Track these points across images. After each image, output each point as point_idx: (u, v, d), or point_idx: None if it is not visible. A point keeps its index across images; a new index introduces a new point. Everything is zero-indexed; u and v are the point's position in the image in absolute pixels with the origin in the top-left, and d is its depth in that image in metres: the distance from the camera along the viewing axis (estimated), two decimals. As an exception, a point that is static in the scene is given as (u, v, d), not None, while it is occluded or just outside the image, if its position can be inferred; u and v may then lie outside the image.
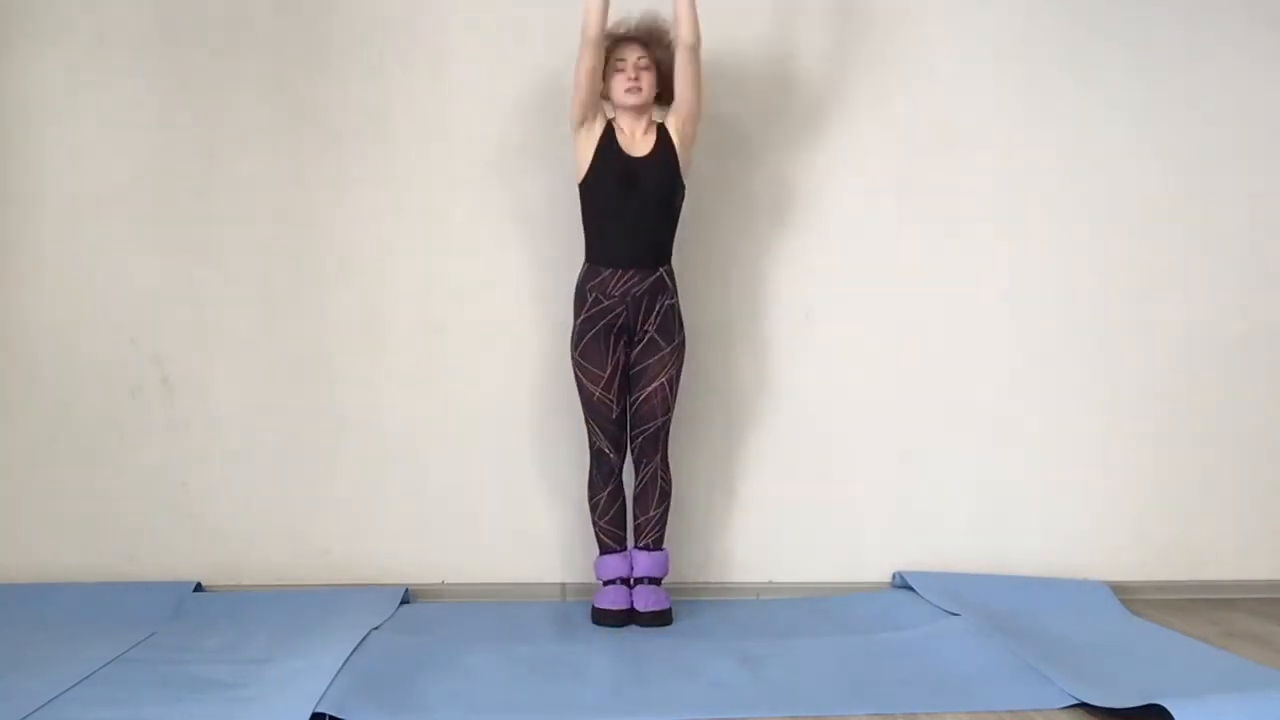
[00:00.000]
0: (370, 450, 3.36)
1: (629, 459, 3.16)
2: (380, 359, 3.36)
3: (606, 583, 3.13)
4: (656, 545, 3.14)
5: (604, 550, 3.15)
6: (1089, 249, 3.50)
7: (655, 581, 3.11)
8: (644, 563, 3.11)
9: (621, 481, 3.16)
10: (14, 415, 3.31)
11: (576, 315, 3.10)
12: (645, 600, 3.08)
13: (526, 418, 3.39)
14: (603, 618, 3.08)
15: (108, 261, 3.32)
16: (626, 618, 3.08)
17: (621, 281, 3.05)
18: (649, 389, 3.08)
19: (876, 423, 3.46)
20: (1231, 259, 3.54)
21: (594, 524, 3.16)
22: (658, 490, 3.13)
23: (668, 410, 3.11)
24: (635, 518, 3.15)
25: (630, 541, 3.16)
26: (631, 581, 3.12)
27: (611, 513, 3.14)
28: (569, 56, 3.06)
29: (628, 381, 3.11)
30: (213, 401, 3.33)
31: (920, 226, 3.46)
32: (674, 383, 3.10)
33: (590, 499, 3.17)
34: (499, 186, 3.37)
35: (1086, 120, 3.49)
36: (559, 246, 3.32)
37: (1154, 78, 3.51)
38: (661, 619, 3.07)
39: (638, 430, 3.12)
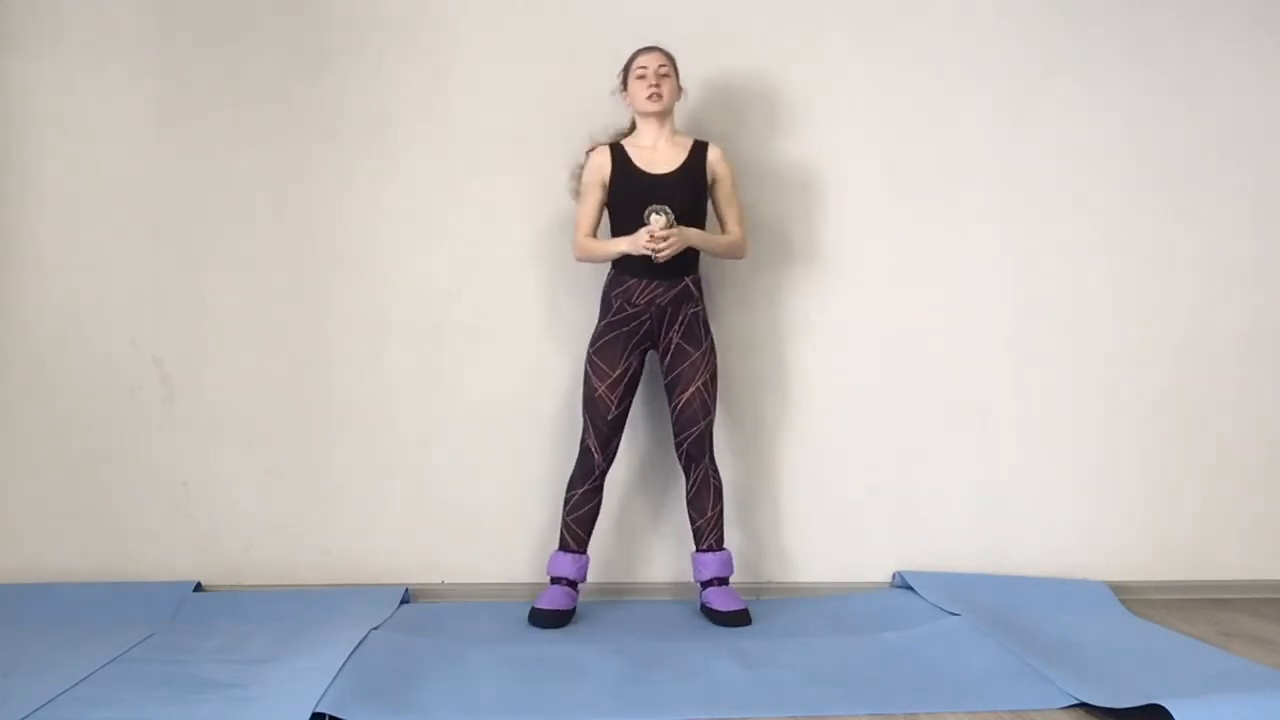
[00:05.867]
0: (370, 450, 3.36)
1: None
2: (380, 359, 3.36)
3: (553, 580, 3.09)
4: (718, 545, 3.12)
5: (562, 546, 3.11)
6: (1089, 249, 3.50)
7: (724, 581, 3.10)
8: (711, 565, 3.09)
9: (600, 485, 3.14)
10: (14, 415, 3.31)
11: (601, 319, 3.12)
12: (721, 601, 3.05)
13: (526, 418, 3.39)
14: (541, 618, 3.02)
15: (108, 261, 3.32)
16: (565, 618, 3.03)
17: (646, 290, 3.05)
18: (687, 394, 3.07)
19: (877, 423, 3.46)
20: (1232, 259, 3.54)
21: (562, 518, 3.13)
22: (711, 491, 3.12)
23: (709, 413, 3.10)
24: (693, 522, 3.13)
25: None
26: (691, 582, 3.12)
27: (581, 512, 3.11)
28: (570, 56, 3.10)
29: (632, 388, 3.11)
30: (213, 401, 3.33)
31: (920, 227, 3.46)
32: (710, 385, 3.10)
33: (566, 491, 3.14)
34: (499, 186, 3.37)
35: (1086, 120, 3.49)
36: (560, 246, 3.34)
37: (1154, 78, 3.52)
38: (740, 619, 3.03)
39: (682, 436, 3.10)
